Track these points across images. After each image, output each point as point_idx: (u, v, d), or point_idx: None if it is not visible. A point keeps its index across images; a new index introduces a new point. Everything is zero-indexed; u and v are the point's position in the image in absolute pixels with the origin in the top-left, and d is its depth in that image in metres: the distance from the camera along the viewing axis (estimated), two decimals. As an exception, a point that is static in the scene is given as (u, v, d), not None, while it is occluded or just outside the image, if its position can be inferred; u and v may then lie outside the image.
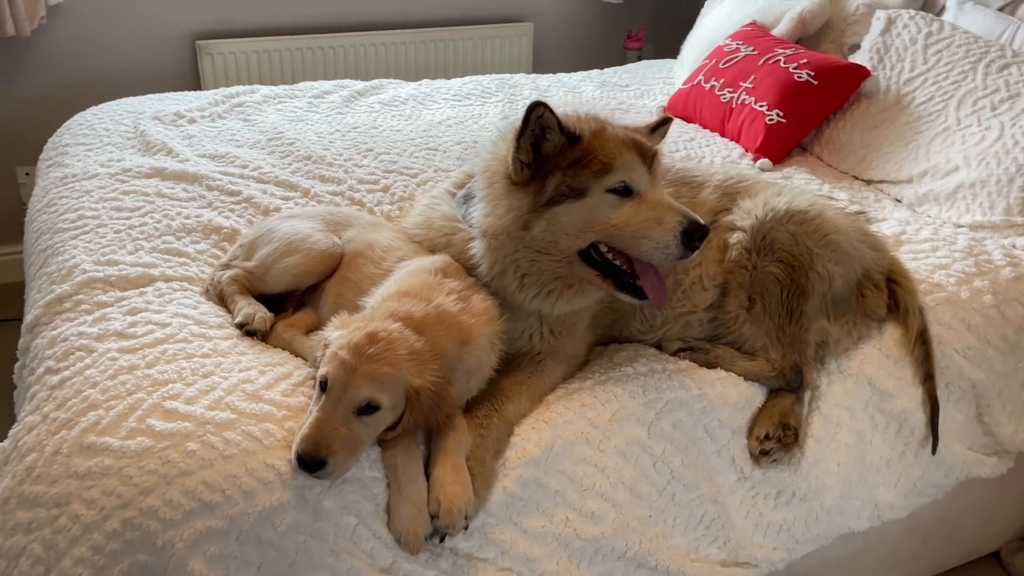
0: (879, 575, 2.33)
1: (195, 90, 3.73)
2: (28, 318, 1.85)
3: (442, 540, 1.53)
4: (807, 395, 1.90)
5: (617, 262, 1.65)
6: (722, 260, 1.88)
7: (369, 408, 1.41)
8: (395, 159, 2.57)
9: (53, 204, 2.26)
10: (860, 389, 1.93)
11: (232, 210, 2.21)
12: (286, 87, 3.22)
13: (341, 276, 1.79)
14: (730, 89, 2.96)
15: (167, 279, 1.88)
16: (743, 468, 1.83)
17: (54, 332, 1.73)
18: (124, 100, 3.05)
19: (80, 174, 2.39)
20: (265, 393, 1.54)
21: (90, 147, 2.61)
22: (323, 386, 1.42)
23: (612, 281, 1.66)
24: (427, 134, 2.81)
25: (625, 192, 1.62)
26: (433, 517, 1.48)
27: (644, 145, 1.67)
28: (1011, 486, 2.39)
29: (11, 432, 1.56)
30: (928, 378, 1.96)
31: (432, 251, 1.79)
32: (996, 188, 2.31)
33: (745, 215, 1.88)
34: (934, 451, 1.98)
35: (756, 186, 1.99)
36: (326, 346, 1.48)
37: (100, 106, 3.00)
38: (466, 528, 1.54)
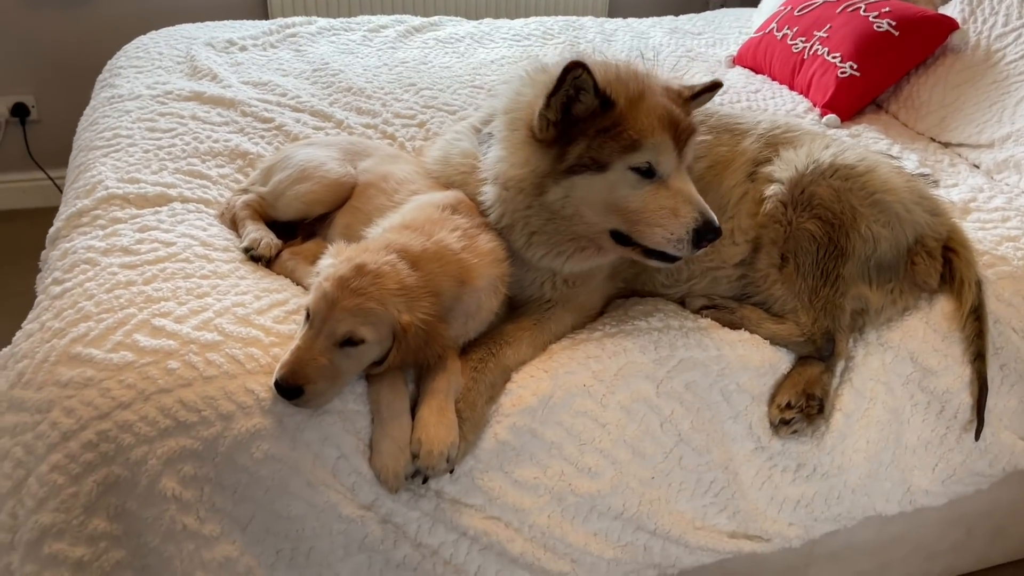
0: (915, 566, 2.19)
1: (262, 19, 3.72)
2: (51, 231, 1.87)
3: (425, 481, 1.48)
4: (839, 366, 1.77)
5: None
6: (756, 213, 1.74)
7: (351, 341, 1.36)
8: (436, 95, 2.50)
9: (96, 123, 2.28)
10: (901, 364, 1.78)
11: (262, 136, 2.19)
12: (343, 20, 3.17)
13: (351, 206, 1.75)
14: (803, 38, 2.76)
15: (184, 200, 1.87)
16: (760, 437, 1.72)
17: (67, 244, 1.74)
18: (183, 26, 3.07)
19: (126, 95, 2.41)
20: (256, 318, 1.51)
21: (141, 69, 2.62)
22: (307, 315, 1.38)
23: (641, 248, 1.56)
24: (476, 72, 2.72)
25: (648, 173, 1.50)
26: (415, 457, 1.43)
27: (680, 123, 1.53)
28: (1073, 483, 2.19)
29: (14, 338, 1.58)
30: (979, 357, 1.79)
31: (448, 188, 1.72)
32: (1085, 156, 2.09)
33: (785, 166, 1.73)
34: (977, 436, 1.82)
35: (803, 137, 1.84)
36: (319, 274, 1.43)
37: (160, 31, 3.02)
38: (451, 472, 1.49)
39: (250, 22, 3.11)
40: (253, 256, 1.70)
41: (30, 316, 1.59)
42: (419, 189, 1.71)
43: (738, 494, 1.72)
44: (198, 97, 2.35)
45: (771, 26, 2.92)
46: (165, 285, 1.55)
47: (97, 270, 1.60)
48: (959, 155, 2.44)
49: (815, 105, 2.65)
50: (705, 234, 1.50)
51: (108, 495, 1.35)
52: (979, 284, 1.81)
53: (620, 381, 1.61)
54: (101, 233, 1.73)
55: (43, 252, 1.85)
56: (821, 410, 1.70)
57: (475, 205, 1.64)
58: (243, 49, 2.82)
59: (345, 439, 1.44)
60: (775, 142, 1.82)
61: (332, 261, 1.42)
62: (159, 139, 2.12)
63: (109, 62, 2.85)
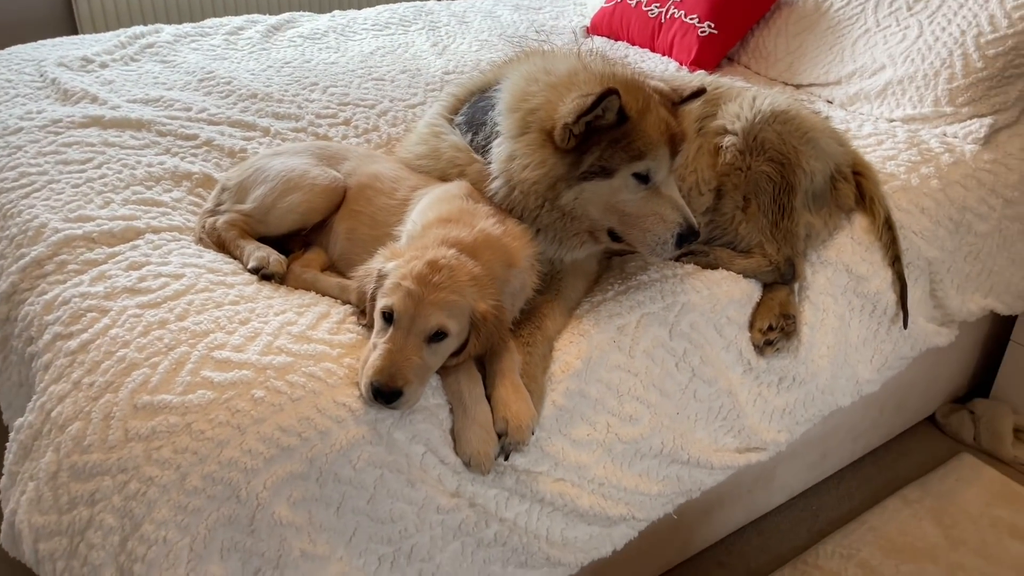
0: (846, 448, 2.55)
1: (71, 34, 3.41)
2: (2, 286, 1.68)
3: (507, 458, 1.54)
4: (796, 286, 2.02)
5: None
6: (715, 164, 1.94)
7: (438, 335, 1.39)
8: (346, 91, 2.47)
9: (-18, 165, 2.04)
10: (839, 276, 2.07)
11: (195, 155, 2.07)
12: (192, 25, 3.00)
13: (350, 210, 1.73)
14: (657, 4, 3.01)
15: (155, 230, 1.76)
16: (749, 360, 1.93)
17: (46, 297, 1.59)
18: (14, 48, 2.76)
19: (1, 130, 2.16)
20: (312, 333, 1.49)
21: (-3, 100, 2.35)
22: (387, 317, 1.39)
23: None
24: (365, 65, 2.71)
25: (644, 179, 1.62)
26: (500, 436, 1.49)
27: (677, 136, 1.65)
28: (946, 355, 2.64)
29: (31, 405, 1.44)
30: (896, 260, 2.12)
31: (442, 180, 1.76)
32: (924, 82, 2.49)
33: (735, 118, 1.94)
34: (905, 325, 2.16)
35: (731, 91, 2.06)
36: (381, 277, 1.43)
37: (-11, 56, 2.70)
38: (527, 444, 1.56)
39: (91, 37, 2.86)
40: (264, 275, 1.64)
41: (46, 378, 1.45)
42: (417, 185, 1.73)
43: (741, 414, 1.93)
44: (97, 122, 2.16)
45: (621, -5, 3.14)
46: (203, 318, 1.48)
47: (113, 315, 1.49)
48: (812, 94, 2.80)
49: (682, 64, 2.91)
50: (687, 237, 1.64)
51: (218, 537, 1.29)
52: (884, 199, 2.14)
53: (641, 331, 1.75)
54: (85, 278, 1.60)
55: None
56: (796, 325, 1.95)
57: (479, 192, 1.70)
58: (103, 66, 2.61)
59: (432, 433, 1.47)
60: (712, 98, 2.02)
61: (397, 262, 1.43)
62: (82, 171, 1.94)
63: (-60, 97, 2.51)
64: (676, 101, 1.72)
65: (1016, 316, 2.73)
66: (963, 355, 2.77)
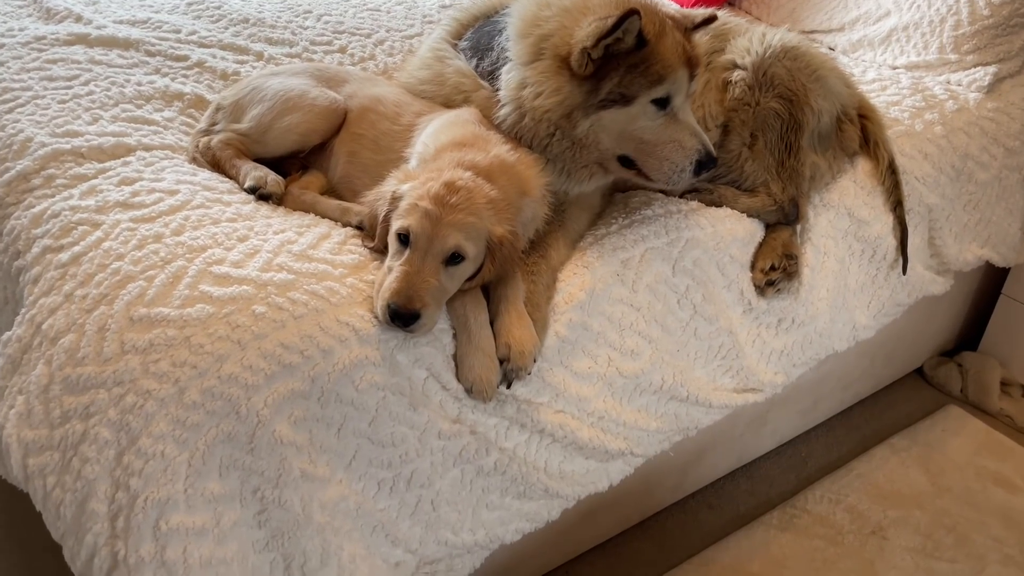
0: (836, 396, 2.56)
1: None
2: (-14, 200, 1.62)
3: (509, 386, 1.52)
4: (799, 227, 2.00)
5: None
6: (722, 100, 1.90)
7: (455, 258, 1.36)
8: (341, 20, 2.40)
9: (-38, 80, 1.95)
10: (841, 219, 2.05)
11: (186, 76, 2.00)
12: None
13: (352, 133, 1.68)
14: (660, -56, 2.94)
15: (147, 148, 1.70)
16: (750, 300, 1.91)
17: (33, 211, 1.53)
18: (-10, -35, 2.64)
19: (-21, 45, 2.07)
20: (313, 253, 1.44)
21: (-25, 17, 2.25)
22: (402, 239, 1.36)
23: (646, 174, 1.64)
24: (359, -5, 2.63)
25: (663, 104, 1.58)
26: (502, 362, 1.47)
27: (693, 59, 1.61)
28: (936, 308, 2.65)
29: (19, 319, 1.39)
30: (898, 205, 2.10)
31: (447, 107, 1.71)
32: (929, 29, 2.46)
33: (744, 53, 1.90)
34: (904, 271, 2.15)
35: (740, 27, 2.01)
36: (395, 199, 1.39)
37: (-36, -27, 2.58)
38: (529, 373, 1.53)
39: (73, -42, 2.74)
40: (262, 195, 1.59)
41: (36, 290, 1.39)
42: (422, 111, 1.68)
43: (740, 354, 1.92)
44: (82, 40, 2.08)
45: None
46: (199, 233, 1.43)
47: (106, 228, 1.43)
48: (814, 40, 2.76)
49: (683, 7, 2.85)
50: (705, 164, 1.62)
51: (217, 454, 1.26)
52: (888, 143, 2.11)
53: (644, 265, 1.73)
54: (75, 192, 1.54)
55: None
56: (798, 266, 1.93)
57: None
58: (87, -14, 2.50)
59: (435, 358, 1.43)
60: (720, 34, 1.98)
61: (412, 183, 1.39)
62: (69, 87, 1.87)
63: (-86, 13, 2.40)
64: (688, 28, 1.68)
65: (1007, 270, 2.74)
66: (953, 308, 2.78)
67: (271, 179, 1.60)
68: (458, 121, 1.56)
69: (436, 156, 1.46)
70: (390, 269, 1.36)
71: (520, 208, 1.49)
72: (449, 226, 1.33)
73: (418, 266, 1.33)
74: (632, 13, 1.47)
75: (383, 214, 1.40)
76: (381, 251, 1.45)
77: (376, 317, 1.35)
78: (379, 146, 1.64)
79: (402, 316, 1.31)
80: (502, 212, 1.41)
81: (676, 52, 1.56)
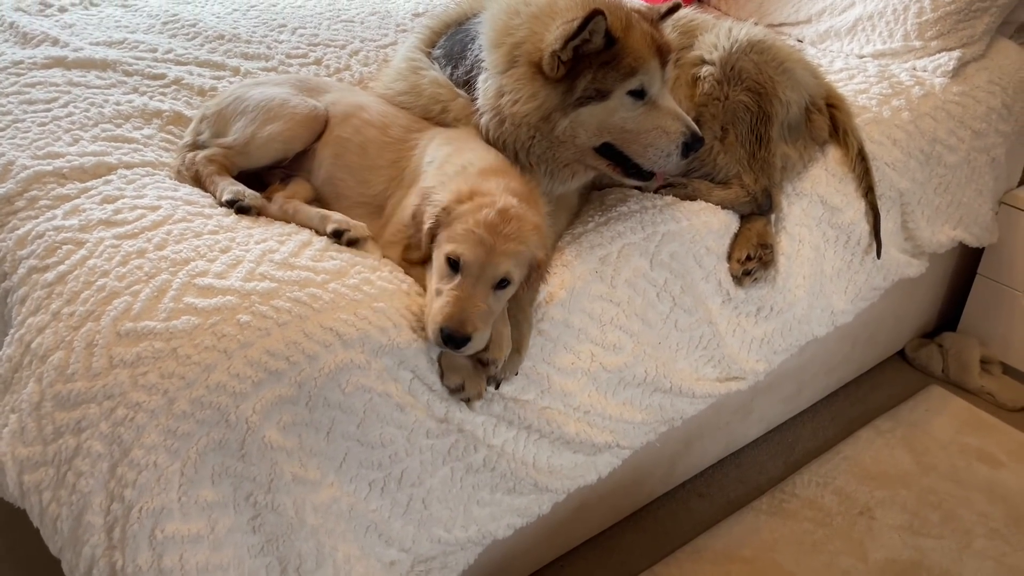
0: (820, 381, 2.60)
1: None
2: (-31, 224, 1.64)
3: (497, 387, 1.55)
4: (773, 217, 2.04)
5: None
6: (692, 95, 1.94)
7: (503, 283, 1.42)
8: (315, 32, 2.43)
9: (-62, 106, 1.97)
10: (814, 207, 2.09)
11: (164, 93, 2.03)
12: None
13: (336, 136, 1.71)
14: (627, -55, 2.98)
15: (128, 166, 1.72)
16: (728, 290, 1.95)
17: (18, 232, 1.55)
18: (-35, -7, 2.66)
19: (-41, 73, 2.09)
20: (295, 260, 1.47)
21: (-48, 45, 2.27)
22: (451, 263, 1.41)
23: (621, 168, 1.69)
24: (333, 7, 2.66)
25: (640, 95, 1.62)
26: (484, 364, 1.49)
27: (664, 47, 1.65)
28: (915, 291, 2.69)
29: (8, 339, 1.41)
30: (869, 190, 2.15)
31: (425, 118, 1.75)
32: (893, 17, 2.51)
33: (712, 48, 1.94)
34: (878, 255, 2.19)
35: (707, 23, 2.06)
36: (446, 213, 1.44)
37: (-62, 1, 2.60)
38: (516, 373, 1.56)
39: (47, -20, 2.76)
40: (240, 207, 1.61)
41: (23, 310, 1.42)
42: (412, 126, 1.72)
43: (721, 344, 1.96)
44: (60, 63, 2.10)
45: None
46: (182, 247, 1.45)
47: (90, 247, 1.46)
48: (782, 32, 2.81)
49: (652, 5, 2.89)
50: (693, 145, 1.65)
51: (208, 462, 1.28)
52: (856, 131, 2.15)
53: (622, 261, 1.76)
54: (58, 212, 1.56)
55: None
56: (773, 255, 1.97)
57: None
58: (63, 10, 2.53)
59: (420, 359, 1.46)
60: (687, 30, 2.02)
61: (468, 206, 1.43)
62: (48, 110, 1.89)
63: None
64: (654, 19, 1.72)
65: (982, 250, 2.78)
66: (931, 291, 2.83)
67: (248, 193, 1.63)
68: (480, 145, 1.63)
69: (481, 178, 1.50)
70: (439, 292, 1.41)
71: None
72: (502, 255, 1.40)
73: (469, 291, 1.39)
74: (596, 14, 1.51)
75: (430, 224, 1.45)
76: (423, 262, 1.50)
77: (428, 339, 1.41)
78: (366, 152, 1.68)
79: (455, 339, 1.37)
80: (544, 237, 1.49)
81: (645, 43, 1.60)
